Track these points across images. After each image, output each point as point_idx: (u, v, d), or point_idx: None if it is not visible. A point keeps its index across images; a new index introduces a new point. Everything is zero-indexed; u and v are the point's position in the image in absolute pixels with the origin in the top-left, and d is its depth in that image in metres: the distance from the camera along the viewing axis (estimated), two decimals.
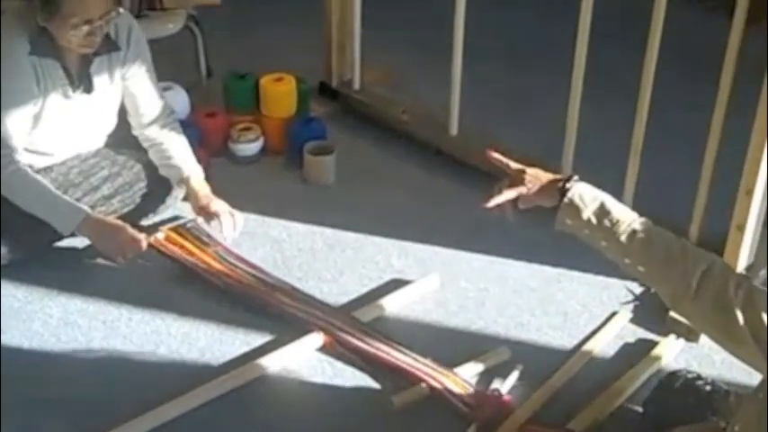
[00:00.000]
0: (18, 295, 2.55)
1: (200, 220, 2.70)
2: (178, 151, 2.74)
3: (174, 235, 2.69)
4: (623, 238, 1.71)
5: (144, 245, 2.55)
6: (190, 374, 2.30)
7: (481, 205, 1.90)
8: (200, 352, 2.39)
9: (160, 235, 2.68)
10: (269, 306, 2.50)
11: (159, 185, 2.78)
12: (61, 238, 2.61)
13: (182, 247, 2.67)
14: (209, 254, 2.64)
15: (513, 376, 2.30)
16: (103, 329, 2.46)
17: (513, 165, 1.91)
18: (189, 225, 2.73)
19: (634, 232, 1.71)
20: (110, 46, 2.58)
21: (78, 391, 2.27)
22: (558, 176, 1.86)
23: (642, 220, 1.74)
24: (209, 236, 2.70)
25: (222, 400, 2.24)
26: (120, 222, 2.58)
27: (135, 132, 2.78)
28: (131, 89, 2.70)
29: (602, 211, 1.74)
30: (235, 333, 2.44)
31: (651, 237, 1.69)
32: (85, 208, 2.55)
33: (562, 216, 1.78)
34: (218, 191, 2.72)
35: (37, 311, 2.51)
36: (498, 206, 1.89)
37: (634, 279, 2.62)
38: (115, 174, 2.73)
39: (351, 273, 2.67)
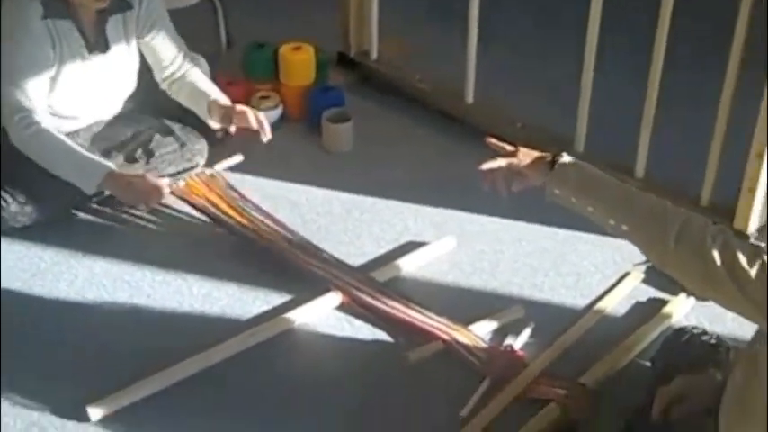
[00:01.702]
0: (44, 257, 2.63)
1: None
2: (201, 82, 2.84)
3: (195, 183, 2.73)
4: (607, 202, 1.77)
5: (166, 191, 2.61)
6: (212, 332, 2.36)
7: (477, 168, 1.98)
8: (221, 310, 2.47)
9: (182, 183, 2.72)
10: (288, 261, 2.56)
11: (180, 149, 2.85)
12: (86, 199, 2.68)
13: (203, 196, 2.71)
14: (231, 205, 2.69)
15: (526, 333, 2.35)
16: (128, 289, 2.53)
17: (509, 147, 1.99)
18: (210, 173, 2.76)
19: (617, 196, 1.77)
20: (122, 5, 2.65)
21: (102, 347, 2.35)
22: (546, 153, 1.93)
23: (624, 185, 1.80)
24: (230, 186, 2.75)
25: (244, 356, 2.31)
26: (141, 172, 2.64)
27: (162, 85, 2.85)
28: (151, 44, 2.77)
29: (588, 179, 1.82)
30: (255, 293, 2.51)
31: (633, 198, 1.77)
32: (108, 163, 2.61)
33: (551, 187, 1.86)
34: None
35: (63, 272, 2.58)
36: (491, 179, 1.96)
37: None
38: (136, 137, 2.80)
39: (368, 235, 2.73)
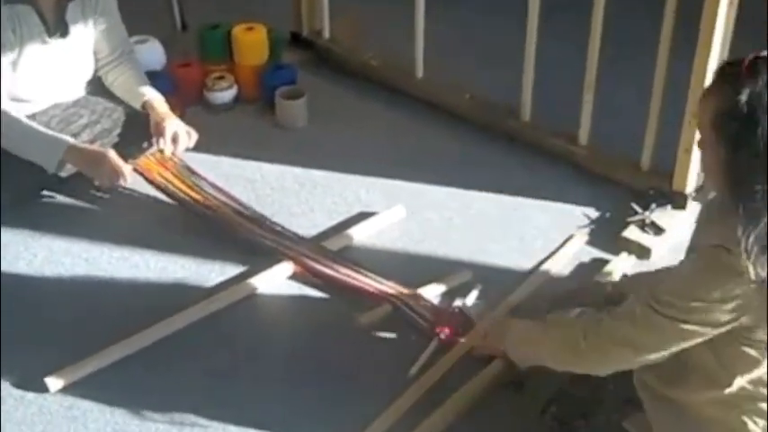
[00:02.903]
0: (3, 238, 2.68)
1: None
2: (137, 80, 2.89)
3: (151, 162, 2.78)
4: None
5: (128, 176, 2.63)
6: (169, 304, 2.42)
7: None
8: (177, 283, 2.53)
9: (140, 161, 2.77)
10: (241, 234, 2.63)
11: (138, 130, 2.89)
12: (46, 182, 2.74)
13: (159, 174, 2.77)
14: (184, 182, 2.76)
15: (474, 294, 2.43)
16: (86, 266, 2.59)
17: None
18: (166, 153, 2.78)
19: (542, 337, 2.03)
20: None
21: (61, 322, 2.41)
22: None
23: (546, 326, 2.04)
24: (185, 165, 2.80)
25: (200, 325, 2.38)
26: (102, 150, 2.65)
27: (99, 72, 2.89)
28: (99, 29, 2.82)
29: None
30: (211, 265, 2.58)
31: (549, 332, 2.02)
32: (67, 138, 2.65)
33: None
34: None
35: (22, 252, 2.64)
36: None
37: (589, 205, 2.77)
38: (94, 121, 2.84)
39: (320, 208, 2.80)
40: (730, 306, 1.64)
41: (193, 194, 2.73)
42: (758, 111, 1.55)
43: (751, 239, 1.57)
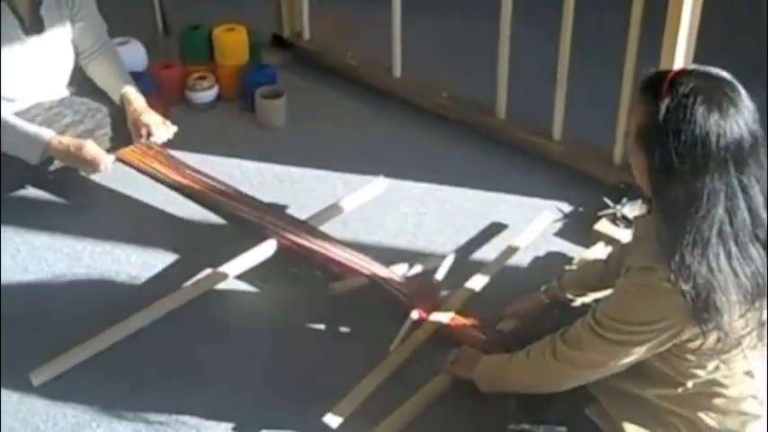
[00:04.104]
0: None
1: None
2: (117, 72, 2.94)
3: (136, 152, 2.81)
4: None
5: (108, 164, 2.69)
6: (151, 296, 2.46)
7: None
8: (158, 275, 2.58)
9: (123, 151, 2.80)
10: (224, 210, 2.69)
11: (122, 130, 2.94)
12: (26, 177, 2.79)
13: (143, 162, 2.80)
14: (170, 167, 2.80)
15: (447, 263, 2.50)
16: (68, 260, 2.64)
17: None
18: (147, 144, 2.82)
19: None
20: None
21: (43, 315, 2.46)
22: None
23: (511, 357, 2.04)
24: (167, 154, 2.84)
25: (179, 314, 2.43)
26: (81, 141, 2.70)
27: (80, 64, 2.94)
28: (77, 23, 2.86)
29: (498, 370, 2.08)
30: (191, 259, 2.62)
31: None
32: (47, 130, 2.69)
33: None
34: (176, 136, 2.85)
35: (6, 247, 2.69)
36: None
37: (563, 199, 2.83)
38: (77, 121, 2.87)
39: (298, 203, 2.85)
40: (668, 323, 1.68)
41: (177, 177, 2.77)
42: (676, 124, 1.60)
43: (676, 253, 1.62)
